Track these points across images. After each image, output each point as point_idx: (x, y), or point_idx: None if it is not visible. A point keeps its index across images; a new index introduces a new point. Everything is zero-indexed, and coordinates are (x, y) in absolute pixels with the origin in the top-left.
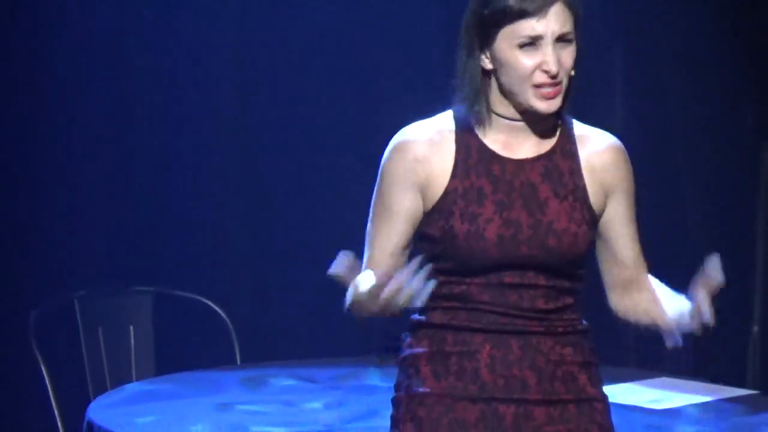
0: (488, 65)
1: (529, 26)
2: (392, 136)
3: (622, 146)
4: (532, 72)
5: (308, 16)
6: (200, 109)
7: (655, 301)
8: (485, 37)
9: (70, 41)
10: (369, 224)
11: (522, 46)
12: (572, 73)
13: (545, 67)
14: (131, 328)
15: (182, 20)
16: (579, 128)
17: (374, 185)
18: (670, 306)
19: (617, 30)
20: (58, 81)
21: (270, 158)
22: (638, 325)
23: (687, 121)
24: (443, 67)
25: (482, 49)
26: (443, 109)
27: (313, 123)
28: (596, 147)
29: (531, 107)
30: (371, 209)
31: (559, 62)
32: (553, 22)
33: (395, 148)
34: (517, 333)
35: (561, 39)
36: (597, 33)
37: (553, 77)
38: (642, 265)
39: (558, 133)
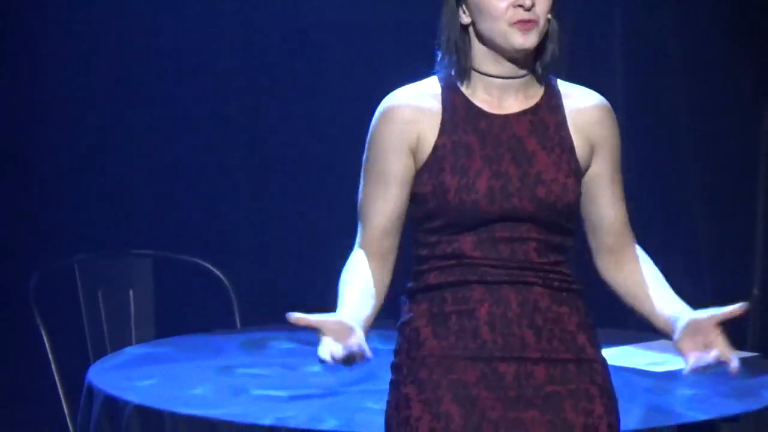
0: (466, 19)
1: None
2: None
3: (609, 104)
4: (506, 10)
5: (316, 10)
6: (200, 82)
7: (642, 287)
8: None
9: (74, 36)
10: (361, 195)
11: None
12: (549, 16)
13: (518, 2)
14: (131, 291)
15: (189, 14)
16: (564, 86)
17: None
18: (664, 306)
19: (616, 5)
20: (64, 72)
21: (269, 119)
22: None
23: (687, 84)
24: None
25: (459, 3)
26: (428, 75)
27: (321, 112)
28: (582, 103)
29: (508, 44)
30: (362, 179)
31: (533, 1)
32: None
33: (382, 115)
34: (514, 283)
35: None
36: (594, 9)
37: (527, 9)
38: (627, 231)
39: (543, 90)
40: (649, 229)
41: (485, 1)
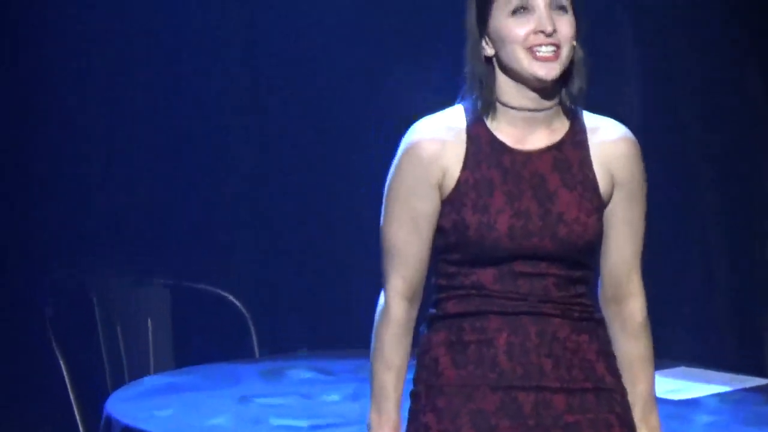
0: (489, 51)
1: None
2: (404, 129)
3: (635, 139)
4: (527, 36)
5: (319, 10)
6: (214, 104)
7: (622, 364)
8: (483, 19)
9: (76, 40)
10: (390, 234)
11: (514, 12)
12: (574, 43)
13: (539, 28)
14: (149, 320)
15: (192, 17)
16: (590, 119)
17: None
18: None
19: (627, 10)
20: (69, 79)
21: (284, 151)
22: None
23: (701, 102)
24: (457, 60)
25: (482, 35)
26: (453, 104)
27: (327, 117)
28: (607, 137)
29: (530, 75)
30: (388, 212)
31: (554, 24)
32: None
33: (407, 151)
34: (533, 314)
35: (555, 6)
36: (606, 15)
37: (548, 35)
38: (631, 282)
39: (568, 124)
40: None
41: (506, 29)
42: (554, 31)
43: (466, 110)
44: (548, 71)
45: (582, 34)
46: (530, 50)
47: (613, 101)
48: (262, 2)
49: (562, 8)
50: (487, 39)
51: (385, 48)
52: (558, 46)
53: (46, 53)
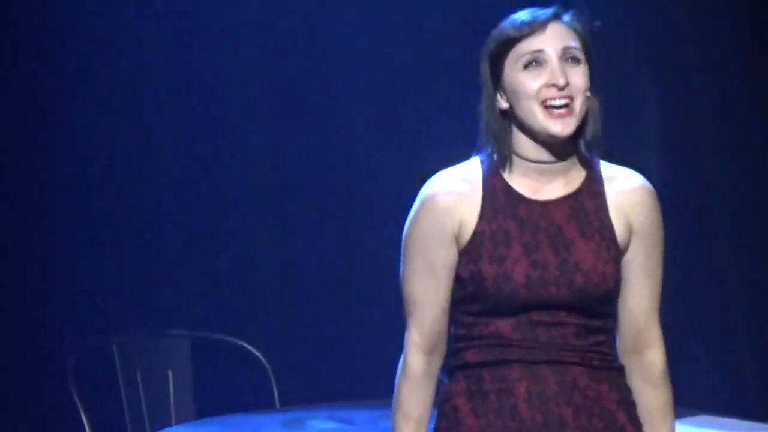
0: (504, 104)
1: (529, 43)
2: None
3: (652, 188)
4: (539, 90)
5: (337, 17)
6: (234, 153)
7: (642, 415)
8: (496, 73)
9: (87, 45)
10: (409, 286)
11: (526, 66)
12: (588, 94)
13: (552, 81)
14: (170, 372)
15: (210, 25)
16: (607, 168)
17: (407, 219)
18: None
19: (646, 57)
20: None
21: (304, 204)
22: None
23: (719, 148)
24: (471, 68)
25: (496, 89)
26: (470, 156)
27: (349, 162)
28: (624, 186)
29: (544, 130)
30: (406, 264)
31: (566, 76)
32: (554, 37)
33: (423, 205)
34: (552, 363)
35: (567, 57)
36: (625, 61)
37: (561, 89)
38: (649, 332)
39: (584, 173)
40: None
41: (519, 83)
42: (567, 84)
43: (482, 162)
44: (563, 128)
45: (597, 83)
46: (544, 105)
47: (632, 149)
48: (282, 14)
49: (575, 59)
50: (501, 93)
51: (407, 54)
52: (571, 99)
53: (68, 69)
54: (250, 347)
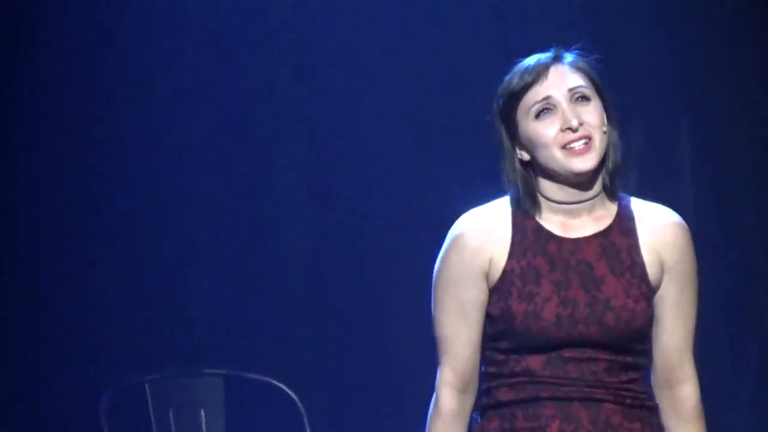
0: (525, 156)
1: (535, 93)
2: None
3: (685, 225)
4: (556, 135)
5: (367, 13)
6: (272, 203)
7: None
8: (510, 129)
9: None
10: (441, 325)
11: (537, 115)
12: (605, 129)
13: (566, 125)
14: (202, 411)
15: (238, 27)
16: (638, 206)
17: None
18: None
19: (683, 102)
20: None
21: (336, 243)
22: None
23: (757, 192)
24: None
25: (513, 144)
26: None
27: (378, 199)
28: (656, 223)
29: (567, 171)
30: (438, 302)
31: (579, 117)
32: (557, 81)
33: (453, 244)
34: (584, 400)
35: (576, 97)
36: (662, 106)
37: (576, 130)
38: (682, 367)
39: (615, 210)
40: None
41: (535, 133)
42: (581, 123)
43: (511, 200)
44: (585, 164)
45: (613, 115)
46: (564, 148)
47: (664, 182)
48: (315, 25)
49: (584, 98)
50: (519, 146)
51: (438, 53)
52: (589, 137)
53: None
54: (282, 386)
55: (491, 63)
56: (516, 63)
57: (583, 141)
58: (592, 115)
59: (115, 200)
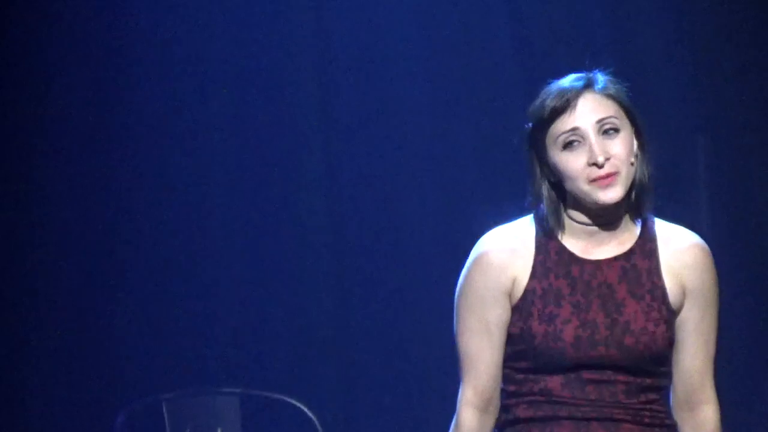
0: (553, 178)
1: (563, 123)
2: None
3: (707, 248)
4: (583, 169)
5: (388, 16)
6: (290, 222)
7: None
8: (539, 152)
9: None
10: (464, 343)
11: (565, 146)
12: (632, 161)
13: (592, 161)
14: (219, 430)
15: (262, 34)
16: (661, 227)
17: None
18: None
19: (699, 121)
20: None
21: (355, 261)
22: None
23: None
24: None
25: (542, 166)
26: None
27: (397, 221)
28: (678, 246)
29: (592, 202)
30: (460, 321)
31: (606, 151)
32: (585, 112)
33: (476, 262)
34: (602, 420)
35: (604, 129)
36: (678, 126)
37: (601, 166)
38: (703, 390)
39: (638, 233)
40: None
41: (561, 164)
42: (608, 158)
43: (535, 219)
44: (610, 196)
45: (645, 140)
46: (590, 182)
47: (684, 214)
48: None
49: (613, 130)
50: (546, 168)
51: (457, 54)
52: (616, 173)
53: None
54: (299, 404)
55: (514, 76)
56: (549, 83)
57: (610, 176)
58: (620, 148)
59: (133, 218)
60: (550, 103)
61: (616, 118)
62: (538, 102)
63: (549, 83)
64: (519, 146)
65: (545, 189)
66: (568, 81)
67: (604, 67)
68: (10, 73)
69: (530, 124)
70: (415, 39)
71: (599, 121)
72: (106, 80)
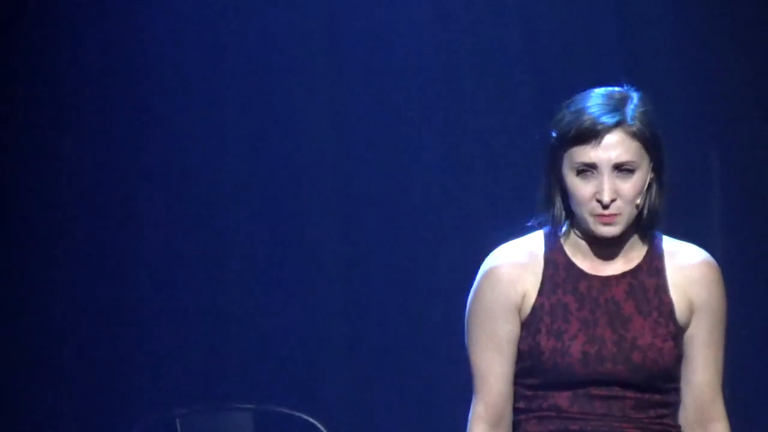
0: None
1: (584, 153)
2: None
3: (714, 263)
4: (589, 200)
5: (399, 15)
6: (303, 234)
7: None
8: (556, 160)
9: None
10: (475, 358)
11: (579, 172)
12: (638, 201)
13: (598, 197)
14: None
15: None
16: (668, 244)
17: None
18: None
19: (712, 138)
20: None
21: (369, 274)
22: None
23: None
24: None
25: (559, 177)
26: (533, 229)
27: (409, 232)
28: (685, 262)
29: (592, 233)
30: (471, 337)
31: (616, 191)
32: (607, 151)
33: (486, 276)
34: None
35: (620, 168)
36: (690, 139)
37: (605, 206)
38: (714, 405)
39: (645, 249)
40: None
41: (572, 185)
42: (614, 200)
43: (545, 235)
44: (609, 232)
45: (665, 169)
46: (591, 215)
47: (696, 232)
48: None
49: (629, 171)
50: (562, 180)
51: (467, 56)
52: (618, 214)
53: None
54: (313, 420)
55: (526, 82)
56: (580, 93)
57: (612, 215)
58: (630, 189)
59: (143, 229)
60: (579, 127)
61: (635, 161)
62: (567, 116)
63: (587, 90)
64: (539, 143)
65: (558, 200)
66: (603, 106)
67: (612, 76)
68: (21, 71)
69: (554, 134)
70: (426, 43)
71: (618, 165)
72: (118, 80)
